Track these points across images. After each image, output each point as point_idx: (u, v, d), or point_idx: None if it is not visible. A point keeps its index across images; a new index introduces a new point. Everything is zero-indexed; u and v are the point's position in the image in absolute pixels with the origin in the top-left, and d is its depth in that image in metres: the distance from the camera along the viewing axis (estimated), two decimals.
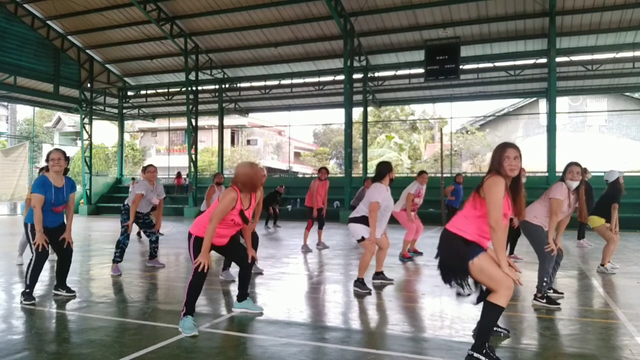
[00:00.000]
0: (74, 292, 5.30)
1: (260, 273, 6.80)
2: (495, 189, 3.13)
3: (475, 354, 3.22)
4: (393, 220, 6.95)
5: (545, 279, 5.08)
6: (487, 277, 3.20)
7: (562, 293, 5.44)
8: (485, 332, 3.27)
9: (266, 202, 15.12)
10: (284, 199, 20.39)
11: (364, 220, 5.70)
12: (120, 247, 6.87)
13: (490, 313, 3.23)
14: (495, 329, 3.75)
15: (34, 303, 4.91)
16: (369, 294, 5.53)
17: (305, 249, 9.49)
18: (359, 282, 5.69)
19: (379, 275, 6.20)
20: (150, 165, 7.45)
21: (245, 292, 4.65)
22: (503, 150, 3.28)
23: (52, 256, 5.72)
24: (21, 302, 4.93)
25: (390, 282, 6.19)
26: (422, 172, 8.77)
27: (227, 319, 4.43)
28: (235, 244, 4.51)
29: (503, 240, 3.19)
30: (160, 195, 7.32)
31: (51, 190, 4.97)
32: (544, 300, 5.00)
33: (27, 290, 4.97)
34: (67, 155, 5.17)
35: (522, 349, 3.66)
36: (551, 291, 5.33)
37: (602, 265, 7.16)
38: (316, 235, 10.02)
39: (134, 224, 7.11)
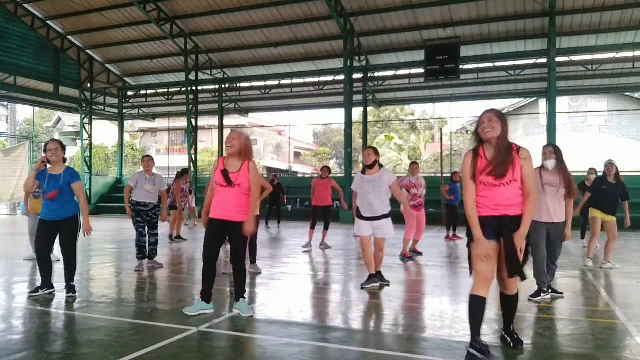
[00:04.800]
0: (74, 293, 5.26)
1: (259, 273, 6.79)
2: (463, 161, 3.48)
3: (468, 349, 3.34)
4: (400, 221, 6.98)
5: (540, 277, 5.21)
6: (471, 264, 3.42)
7: (562, 293, 5.44)
8: (470, 323, 3.38)
9: (274, 197, 15.05)
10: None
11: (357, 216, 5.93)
12: (137, 245, 7.11)
13: (469, 304, 3.39)
14: (503, 334, 3.73)
15: (37, 298, 5.10)
16: (386, 286, 5.69)
17: (308, 248, 9.51)
18: (373, 278, 5.82)
19: (370, 278, 5.95)
20: (146, 155, 7.66)
21: (239, 293, 4.57)
22: (480, 117, 3.46)
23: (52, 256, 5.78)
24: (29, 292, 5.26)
25: (381, 286, 5.90)
26: (411, 164, 8.86)
27: (227, 319, 4.43)
28: (236, 239, 4.46)
29: (471, 209, 3.39)
30: (160, 187, 7.34)
31: (45, 179, 5.13)
32: (539, 297, 5.16)
33: (39, 285, 5.29)
34: (64, 145, 5.32)
35: (522, 348, 3.66)
36: (550, 291, 5.32)
37: (606, 262, 7.42)
38: (320, 235, 10.01)
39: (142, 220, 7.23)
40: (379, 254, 5.96)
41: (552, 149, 5.22)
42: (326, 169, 10.15)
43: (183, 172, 11.82)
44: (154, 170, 7.44)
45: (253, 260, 6.86)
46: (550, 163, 5.16)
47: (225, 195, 4.41)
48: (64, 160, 5.28)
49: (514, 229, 3.34)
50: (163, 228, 11.10)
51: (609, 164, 7.39)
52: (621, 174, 7.50)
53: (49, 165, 5.25)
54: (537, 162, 5.24)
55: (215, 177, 4.45)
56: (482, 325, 3.42)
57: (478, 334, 3.36)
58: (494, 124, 3.35)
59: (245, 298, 4.60)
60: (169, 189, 10.72)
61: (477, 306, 3.36)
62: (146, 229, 7.24)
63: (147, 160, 7.39)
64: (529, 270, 5.29)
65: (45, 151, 5.21)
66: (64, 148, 5.24)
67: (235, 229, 4.40)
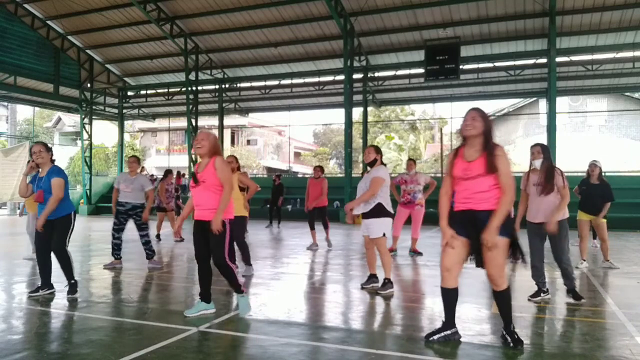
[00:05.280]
0: (74, 293, 5.26)
1: (251, 275, 6.59)
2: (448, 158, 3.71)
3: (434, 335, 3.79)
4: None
5: (539, 279, 5.23)
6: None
7: (582, 299, 5.16)
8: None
9: (274, 197, 15.17)
10: (284, 199, 20.32)
11: None
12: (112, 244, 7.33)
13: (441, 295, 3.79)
14: (504, 333, 3.73)
15: (37, 298, 5.15)
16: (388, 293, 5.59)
17: (314, 247, 9.60)
18: (373, 277, 5.88)
19: (370, 277, 5.95)
20: (131, 156, 7.72)
21: (235, 290, 4.50)
22: (465, 115, 3.66)
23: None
24: (29, 292, 5.34)
25: (378, 286, 5.82)
26: (407, 160, 8.89)
27: (227, 319, 4.43)
28: (211, 240, 4.32)
29: (441, 201, 3.71)
30: (142, 187, 7.30)
31: (35, 181, 5.25)
32: (538, 297, 5.19)
33: (39, 285, 5.35)
34: (49, 146, 5.36)
35: (522, 349, 3.65)
36: (546, 290, 5.31)
37: (605, 261, 7.47)
38: (321, 234, 10.03)
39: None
40: (381, 258, 5.69)
41: (540, 149, 5.15)
42: (318, 169, 10.01)
43: (167, 173, 12.00)
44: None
45: (247, 262, 6.68)
46: (538, 162, 5.11)
47: (196, 196, 4.42)
48: (53, 160, 5.30)
49: (478, 223, 3.47)
50: (151, 229, 11.35)
51: (593, 165, 7.44)
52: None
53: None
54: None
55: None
56: (453, 313, 3.72)
57: (448, 320, 3.70)
58: (477, 123, 3.54)
59: (243, 295, 4.50)
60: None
61: (445, 297, 3.73)
62: (120, 232, 7.34)
63: (131, 162, 7.46)
64: (526, 270, 5.32)
65: (30, 155, 5.27)
66: (48, 149, 5.26)
67: (208, 229, 4.28)
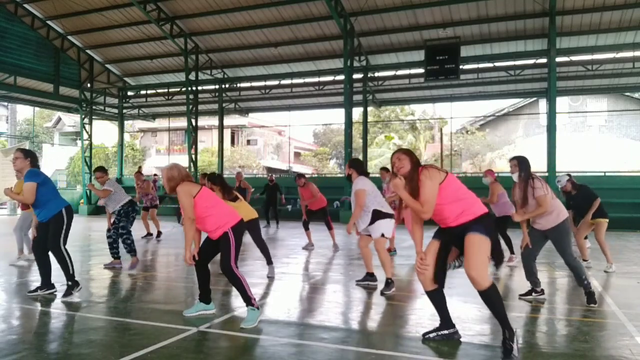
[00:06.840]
0: (67, 297, 5.20)
1: (272, 277, 6.68)
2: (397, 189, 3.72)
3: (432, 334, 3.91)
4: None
5: (531, 277, 5.27)
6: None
7: (595, 303, 5.03)
8: None
9: (270, 197, 15.15)
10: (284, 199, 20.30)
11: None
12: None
13: None
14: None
15: (36, 297, 5.19)
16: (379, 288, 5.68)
17: (310, 247, 9.67)
18: (367, 276, 6.01)
19: (366, 276, 6.12)
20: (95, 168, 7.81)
21: (244, 300, 4.29)
22: (390, 159, 3.82)
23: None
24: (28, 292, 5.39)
25: (374, 285, 5.97)
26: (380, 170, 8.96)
27: (227, 319, 4.43)
28: (220, 246, 4.37)
29: (413, 229, 3.86)
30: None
31: None
32: (529, 296, 5.26)
33: (38, 285, 5.39)
34: (28, 151, 5.40)
35: (522, 349, 3.65)
36: (540, 291, 5.32)
37: (609, 264, 7.37)
38: (320, 235, 10.06)
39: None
40: (379, 258, 5.77)
41: (517, 162, 5.10)
42: (298, 178, 10.02)
43: (138, 170, 12.53)
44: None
45: (268, 261, 6.79)
46: (515, 176, 5.10)
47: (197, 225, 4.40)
48: (37, 166, 5.27)
49: (459, 233, 3.62)
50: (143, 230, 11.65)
51: (564, 182, 7.52)
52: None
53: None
54: (535, 162, 5.23)
55: None
56: (446, 312, 3.86)
57: (444, 320, 3.83)
58: (404, 162, 3.69)
59: (253, 307, 4.22)
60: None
61: (430, 299, 3.89)
62: (109, 232, 7.38)
63: (96, 176, 7.59)
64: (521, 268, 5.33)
65: None
66: (27, 155, 5.25)
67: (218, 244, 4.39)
